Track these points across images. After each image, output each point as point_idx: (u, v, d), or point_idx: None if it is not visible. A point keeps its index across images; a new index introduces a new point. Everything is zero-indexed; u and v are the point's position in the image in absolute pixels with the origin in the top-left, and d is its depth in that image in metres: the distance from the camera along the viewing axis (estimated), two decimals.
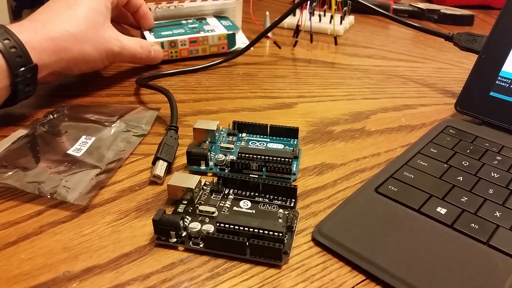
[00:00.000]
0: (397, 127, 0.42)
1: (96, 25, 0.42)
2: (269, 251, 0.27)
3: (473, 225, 0.29)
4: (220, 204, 0.31)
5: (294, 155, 0.36)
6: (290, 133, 0.39)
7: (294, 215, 0.30)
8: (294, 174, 0.35)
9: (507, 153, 0.36)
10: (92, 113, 0.41)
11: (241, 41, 0.57)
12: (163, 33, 0.54)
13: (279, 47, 0.58)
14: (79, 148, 0.36)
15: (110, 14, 0.44)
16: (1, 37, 0.36)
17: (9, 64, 0.36)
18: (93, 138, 0.37)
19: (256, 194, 0.32)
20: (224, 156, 0.35)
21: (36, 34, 0.38)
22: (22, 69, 0.36)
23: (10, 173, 0.33)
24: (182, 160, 0.37)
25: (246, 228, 0.28)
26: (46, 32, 0.39)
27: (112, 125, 0.39)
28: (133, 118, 0.41)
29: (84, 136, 0.37)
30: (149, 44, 0.49)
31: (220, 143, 0.38)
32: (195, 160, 0.35)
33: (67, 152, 0.35)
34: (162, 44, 0.53)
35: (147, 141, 0.39)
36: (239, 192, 0.32)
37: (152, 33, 0.54)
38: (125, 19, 0.53)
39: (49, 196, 0.31)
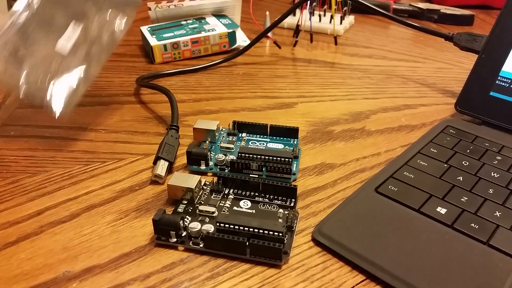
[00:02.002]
0: (397, 127, 0.42)
1: None
2: (269, 251, 0.27)
3: (473, 225, 0.29)
4: (220, 204, 0.31)
5: (294, 155, 0.36)
6: (290, 133, 0.39)
7: (294, 215, 0.30)
8: (294, 174, 0.35)
9: (507, 153, 0.36)
10: None
11: (241, 39, 0.58)
12: (164, 35, 0.54)
13: (279, 47, 0.58)
14: (67, 39, 0.33)
15: None
16: None
17: None
18: (81, 26, 0.34)
19: (256, 194, 0.32)
20: (224, 156, 0.35)
21: None
22: None
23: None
24: (182, 160, 0.37)
25: (246, 228, 0.28)
26: None
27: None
28: None
29: (72, 23, 0.34)
30: None
31: (220, 143, 0.38)
32: (195, 160, 0.35)
33: (56, 48, 0.33)
34: (165, 46, 0.53)
35: (147, 140, 0.39)
36: (239, 192, 0.32)
37: (154, 36, 0.54)
38: None
39: (39, 102, 0.31)
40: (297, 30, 0.60)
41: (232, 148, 0.37)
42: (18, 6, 0.35)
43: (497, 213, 0.30)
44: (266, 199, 0.32)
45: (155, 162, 0.35)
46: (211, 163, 0.36)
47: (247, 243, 0.27)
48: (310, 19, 0.60)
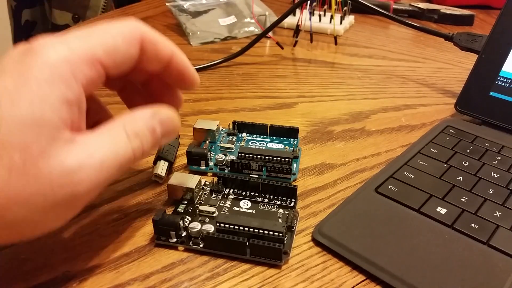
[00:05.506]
0: (397, 127, 0.42)
1: (31, 162, 0.20)
2: (269, 251, 0.27)
3: (473, 225, 0.29)
4: (220, 204, 0.31)
5: (294, 155, 0.36)
6: (290, 133, 0.39)
7: (294, 215, 0.30)
8: (294, 174, 0.35)
9: (507, 153, 0.36)
10: None
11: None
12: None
13: (282, 48, 0.58)
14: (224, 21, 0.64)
15: (73, 114, 0.22)
16: None
17: None
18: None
19: (256, 194, 0.32)
20: (224, 156, 0.35)
21: None
22: None
23: None
24: (182, 160, 0.37)
25: (246, 228, 0.28)
26: None
27: None
28: None
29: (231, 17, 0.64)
30: (149, 116, 0.25)
31: (220, 143, 0.38)
32: (195, 160, 0.35)
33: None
34: None
35: None
36: (239, 192, 0.32)
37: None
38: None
39: None
40: (297, 30, 0.60)
41: (232, 148, 0.37)
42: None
43: (497, 213, 0.30)
44: (266, 199, 0.32)
45: (155, 162, 0.35)
46: (211, 163, 0.36)
47: (247, 243, 0.27)
48: (310, 19, 0.60)
